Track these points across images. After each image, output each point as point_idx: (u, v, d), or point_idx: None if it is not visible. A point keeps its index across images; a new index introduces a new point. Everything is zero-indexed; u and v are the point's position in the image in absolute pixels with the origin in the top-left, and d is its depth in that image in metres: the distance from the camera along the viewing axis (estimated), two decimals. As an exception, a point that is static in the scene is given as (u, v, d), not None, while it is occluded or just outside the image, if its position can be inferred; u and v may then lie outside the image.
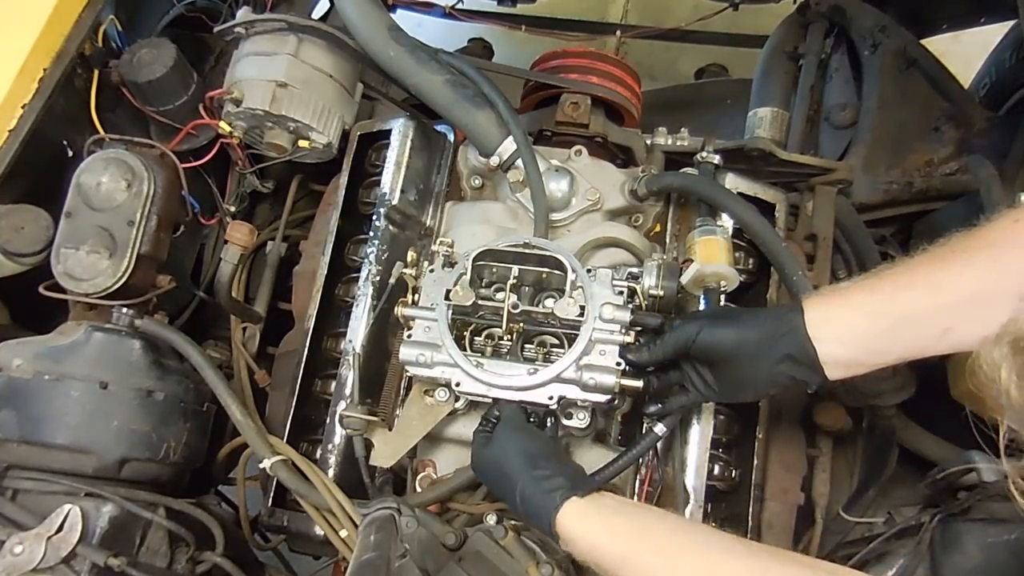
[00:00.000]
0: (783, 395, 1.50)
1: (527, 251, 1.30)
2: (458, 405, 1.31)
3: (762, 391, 1.18)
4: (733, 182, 1.52)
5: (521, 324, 1.32)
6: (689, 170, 1.52)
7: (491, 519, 1.25)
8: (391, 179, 1.55)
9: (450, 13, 2.52)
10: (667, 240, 1.55)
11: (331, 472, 1.42)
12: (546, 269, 1.31)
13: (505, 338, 1.33)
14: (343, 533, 1.29)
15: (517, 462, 1.11)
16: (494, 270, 1.33)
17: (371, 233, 1.53)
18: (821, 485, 1.61)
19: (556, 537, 1.03)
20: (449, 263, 1.32)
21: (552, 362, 1.24)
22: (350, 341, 1.47)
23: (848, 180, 1.71)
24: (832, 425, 1.53)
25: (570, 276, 1.26)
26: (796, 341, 1.05)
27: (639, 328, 1.24)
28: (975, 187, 1.61)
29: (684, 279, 1.33)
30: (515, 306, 1.27)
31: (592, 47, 1.72)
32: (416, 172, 1.59)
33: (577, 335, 1.23)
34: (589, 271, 1.28)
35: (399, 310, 1.30)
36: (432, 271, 1.32)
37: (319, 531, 1.36)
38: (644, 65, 3.16)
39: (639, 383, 1.22)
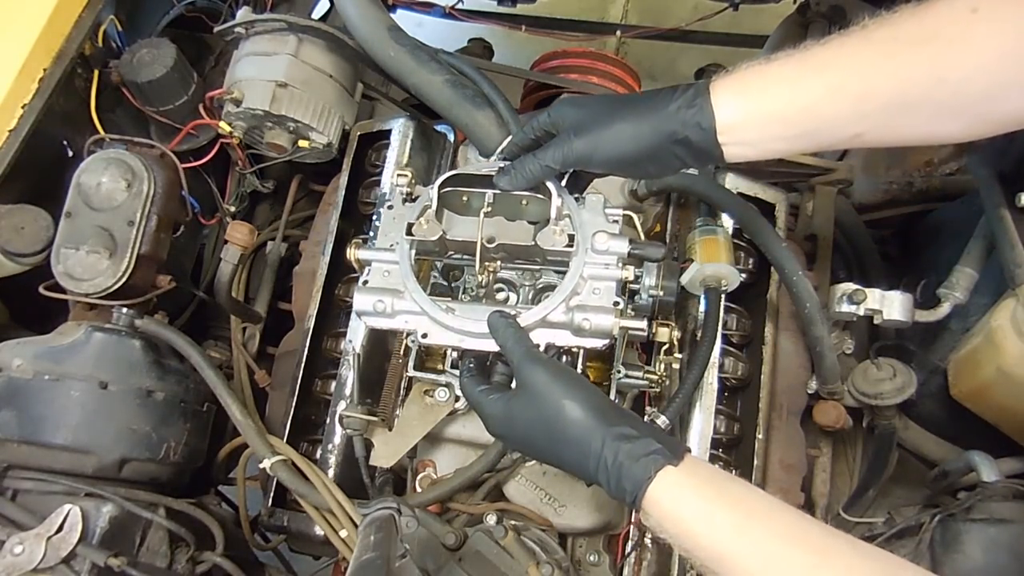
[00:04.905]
0: (783, 395, 1.50)
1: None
2: (458, 405, 1.31)
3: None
4: (733, 182, 1.52)
5: (498, 263, 1.16)
6: (689, 170, 1.52)
7: (491, 519, 1.25)
8: (391, 179, 1.55)
9: (450, 13, 2.51)
10: (667, 240, 1.55)
11: (331, 472, 1.42)
12: (527, 194, 1.11)
13: (481, 278, 1.16)
14: (343, 533, 1.29)
15: (585, 418, 0.91)
16: (464, 198, 1.14)
17: (371, 233, 1.53)
18: (821, 485, 1.61)
19: (639, 508, 0.88)
20: (410, 198, 1.16)
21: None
22: (350, 341, 1.47)
23: (848, 180, 1.72)
24: (832, 425, 1.53)
25: (555, 201, 1.07)
26: (703, 149, 0.95)
27: (639, 259, 1.12)
28: (975, 187, 1.61)
29: (684, 279, 1.33)
30: (490, 240, 1.10)
31: (592, 47, 1.73)
32: (416, 172, 1.58)
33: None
34: (577, 198, 1.11)
35: (351, 252, 1.13)
36: (390, 207, 1.15)
37: (319, 531, 1.36)
38: (644, 65, 3.16)
39: (642, 323, 1.08)
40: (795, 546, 0.80)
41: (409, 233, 1.10)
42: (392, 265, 1.11)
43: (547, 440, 0.94)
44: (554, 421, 0.92)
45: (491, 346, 1.05)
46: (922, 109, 0.86)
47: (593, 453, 0.89)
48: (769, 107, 0.91)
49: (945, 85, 0.84)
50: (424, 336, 1.09)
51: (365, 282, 1.13)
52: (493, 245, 1.11)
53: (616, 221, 1.12)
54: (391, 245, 1.12)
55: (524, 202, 1.13)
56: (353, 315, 1.49)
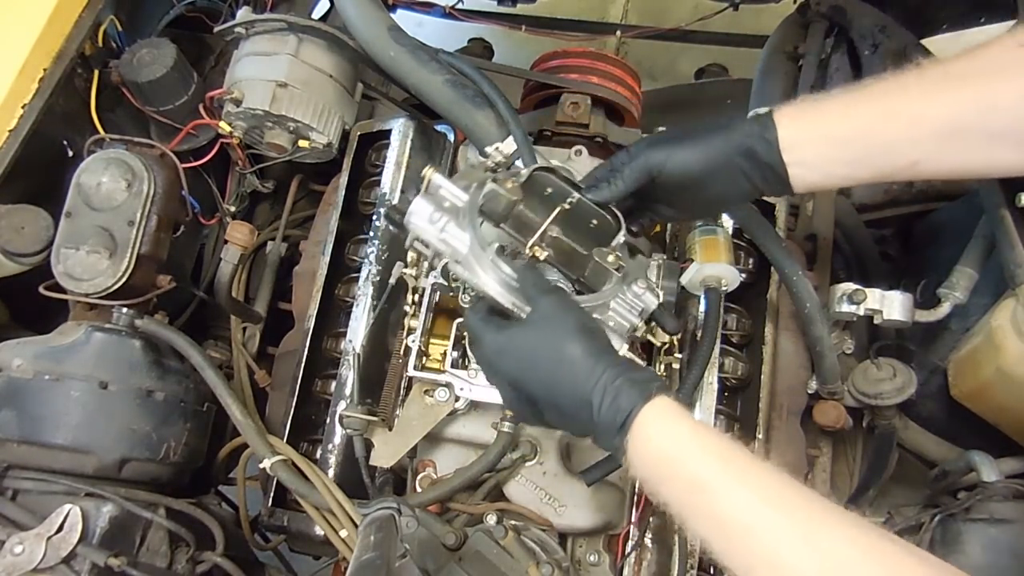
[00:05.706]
0: (783, 395, 1.50)
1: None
2: (458, 405, 1.31)
3: (730, 207, 1.28)
4: (733, 182, 1.51)
5: (548, 251, 1.19)
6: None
7: (491, 519, 1.25)
8: (391, 179, 1.55)
9: (450, 13, 2.52)
10: (667, 240, 1.55)
11: (331, 472, 1.42)
12: (600, 213, 1.16)
13: (526, 253, 1.19)
14: (343, 533, 1.29)
15: (593, 343, 0.93)
16: (549, 190, 1.17)
17: (371, 233, 1.53)
18: (821, 485, 1.61)
19: (623, 441, 0.88)
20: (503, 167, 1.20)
21: None
22: (350, 341, 1.47)
23: (848, 180, 1.71)
24: (832, 425, 1.53)
25: (620, 237, 1.15)
26: (768, 163, 1.01)
27: (653, 322, 1.18)
28: (975, 187, 1.61)
29: (684, 279, 1.33)
30: (553, 229, 1.14)
31: (592, 47, 1.72)
32: (416, 172, 1.59)
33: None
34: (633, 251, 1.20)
35: (427, 171, 1.14)
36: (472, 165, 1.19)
37: (319, 531, 1.36)
38: (644, 65, 3.16)
39: (643, 364, 1.14)
40: (785, 480, 0.80)
41: (493, 182, 1.12)
42: (458, 200, 1.13)
43: (546, 361, 0.94)
44: (561, 341, 0.94)
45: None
46: (975, 136, 0.90)
47: (595, 373, 0.91)
48: (825, 129, 0.98)
49: (996, 112, 0.88)
50: (456, 262, 1.09)
51: (429, 191, 1.13)
52: (554, 235, 1.15)
53: (655, 289, 1.18)
54: (466, 187, 1.14)
55: (593, 222, 1.17)
56: (353, 314, 1.49)
